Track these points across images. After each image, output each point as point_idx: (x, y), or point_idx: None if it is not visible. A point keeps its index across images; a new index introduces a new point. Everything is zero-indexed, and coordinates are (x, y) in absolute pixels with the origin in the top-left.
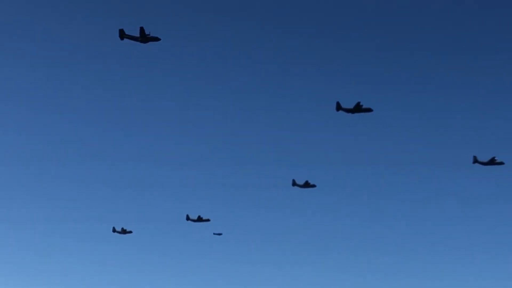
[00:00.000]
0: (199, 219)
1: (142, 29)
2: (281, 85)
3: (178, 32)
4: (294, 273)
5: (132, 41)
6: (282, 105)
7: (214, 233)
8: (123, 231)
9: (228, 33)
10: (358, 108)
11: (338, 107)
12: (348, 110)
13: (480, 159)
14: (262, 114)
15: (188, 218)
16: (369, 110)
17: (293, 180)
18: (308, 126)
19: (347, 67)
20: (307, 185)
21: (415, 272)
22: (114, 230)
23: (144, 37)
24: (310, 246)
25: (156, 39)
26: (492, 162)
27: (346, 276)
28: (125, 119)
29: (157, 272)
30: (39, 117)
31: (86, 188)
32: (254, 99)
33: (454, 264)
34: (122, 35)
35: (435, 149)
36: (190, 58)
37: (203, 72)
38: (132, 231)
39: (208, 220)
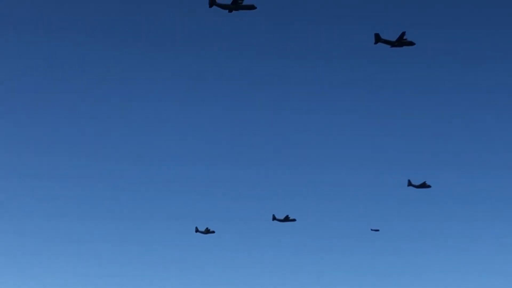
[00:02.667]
0: (286, 219)
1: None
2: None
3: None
4: None
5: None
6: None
7: (371, 229)
8: (206, 231)
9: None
10: (400, 41)
11: (378, 38)
12: (389, 43)
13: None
14: None
15: (274, 218)
16: (411, 43)
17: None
18: None
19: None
20: None
21: None
22: (197, 230)
23: (235, 3)
24: None
25: (252, 7)
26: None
27: None
28: (206, 122)
29: (240, 272)
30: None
31: (168, 188)
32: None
33: None
34: (213, 3)
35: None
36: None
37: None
38: (215, 231)
39: (294, 220)
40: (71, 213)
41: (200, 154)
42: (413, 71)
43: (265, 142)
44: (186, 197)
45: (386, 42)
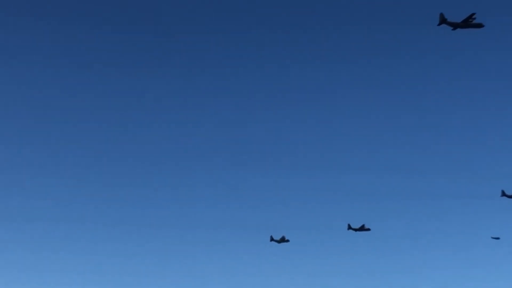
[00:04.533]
0: (361, 228)
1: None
2: None
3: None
4: None
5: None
6: None
7: (492, 237)
8: (282, 240)
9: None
10: (467, 22)
11: (442, 19)
12: (454, 24)
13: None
14: None
15: (349, 227)
16: (479, 25)
17: None
18: None
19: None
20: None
21: None
22: (272, 239)
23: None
24: None
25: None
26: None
27: None
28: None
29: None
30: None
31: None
32: None
33: None
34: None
35: None
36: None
37: None
38: (289, 240)
39: (368, 229)
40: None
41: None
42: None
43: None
44: (261, 206)
45: (451, 24)
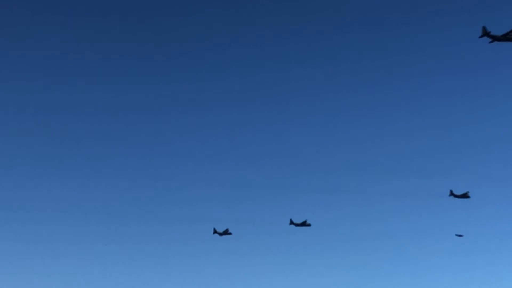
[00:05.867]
0: (303, 224)
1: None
2: None
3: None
4: None
5: None
6: None
7: (456, 234)
8: (225, 233)
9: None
10: (507, 36)
11: (485, 32)
12: (496, 38)
13: None
14: None
15: (291, 222)
16: None
17: None
18: None
19: None
20: None
21: None
22: (215, 231)
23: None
24: None
25: None
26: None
27: None
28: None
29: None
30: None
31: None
32: None
33: None
34: (485, 33)
35: None
36: None
37: None
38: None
39: (309, 225)
40: (74, 213)
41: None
42: None
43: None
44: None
45: (492, 36)
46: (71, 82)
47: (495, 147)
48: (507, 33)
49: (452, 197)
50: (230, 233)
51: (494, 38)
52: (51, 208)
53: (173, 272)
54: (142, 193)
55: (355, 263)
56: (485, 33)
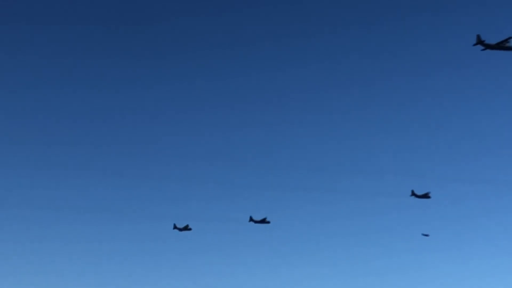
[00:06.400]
0: (262, 221)
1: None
2: None
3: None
4: None
5: None
6: None
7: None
8: (185, 228)
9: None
10: (500, 45)
11: (479, 40)
12: (489, 46)
13: None
14: None
15: (251, 219)
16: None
17: None
18: None
19: None
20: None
21: None
22: (175, 227)
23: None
24: None
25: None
26: None
27: None
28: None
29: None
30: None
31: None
32: None
33: None
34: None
35: None
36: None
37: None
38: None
39: (268, 222)
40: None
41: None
42: None
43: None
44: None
45: (486, 45)
46: (67, 83)
47: (456, 148)
48: (500, 42)
49: (413, 197)
50: (190, 229)
51: (487, 46)
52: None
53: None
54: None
55: (314, 261)
56: (479, 41)
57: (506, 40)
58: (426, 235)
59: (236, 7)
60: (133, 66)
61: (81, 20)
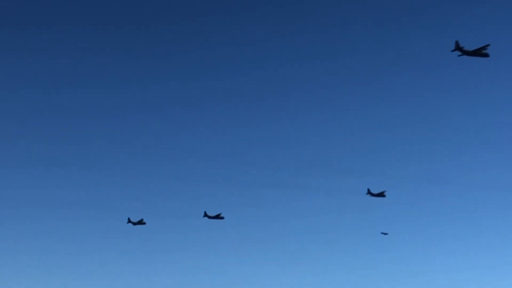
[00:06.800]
0: (216, 217)
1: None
2: None
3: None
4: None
5: None
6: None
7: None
8: (139, 222)
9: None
10: (476, 51)
11: (457, 47)
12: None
13: None
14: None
15: (205, 215)
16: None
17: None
18: None
19: None
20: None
21: None
22: (129, 221)
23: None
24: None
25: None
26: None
27: None
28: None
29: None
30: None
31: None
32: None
33: None
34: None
35: None
36: None
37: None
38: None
39: (223, 218)
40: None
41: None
42: None
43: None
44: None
45: (463, 51)
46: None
47: (411, 148)
48: (477, 49)
49: (369, 195)
50: (144, 223)
51: (464, 53)
52: None
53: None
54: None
55: (267, 258)
56: (457, 47)
57: (484, 48)
58: (385, 234)
59: (236, 7)
60: (133, 66)
61: (81, 20)
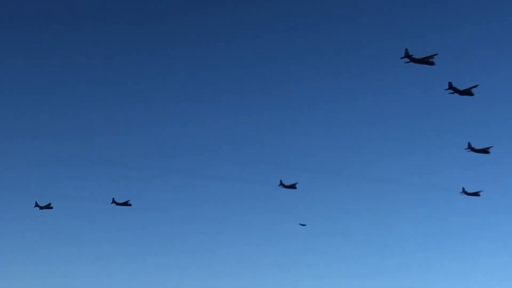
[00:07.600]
0: (125, 203)
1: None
2: None
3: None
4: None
5: None
6: None
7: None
8: (46, 207)
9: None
10: (424, 59)
11: (407, 54)
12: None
13: None
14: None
15: (113, 201)
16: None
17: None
18: None
19: None
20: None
21: None
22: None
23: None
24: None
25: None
26: None
27: None
28: None
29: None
30: None
31: None
32: None
33: None
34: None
35: None
36: None
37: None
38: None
39: (130, 205)
40: None
41: None
42: None
43: None
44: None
45: (411, 58)
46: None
47: (324, 142)
48: (425, 57)
49: (281, 187)
50: (51, 207)
51: (413, 60)
52: None
53: None
54: None
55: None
56: (407, 55)
57: (431, 56)
58: (303, 225)
59: (236, 7)
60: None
61: (81, 20)
